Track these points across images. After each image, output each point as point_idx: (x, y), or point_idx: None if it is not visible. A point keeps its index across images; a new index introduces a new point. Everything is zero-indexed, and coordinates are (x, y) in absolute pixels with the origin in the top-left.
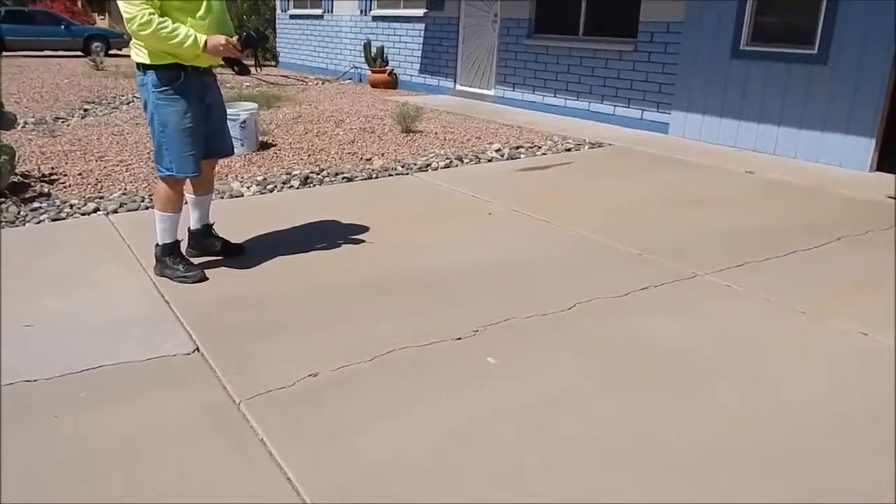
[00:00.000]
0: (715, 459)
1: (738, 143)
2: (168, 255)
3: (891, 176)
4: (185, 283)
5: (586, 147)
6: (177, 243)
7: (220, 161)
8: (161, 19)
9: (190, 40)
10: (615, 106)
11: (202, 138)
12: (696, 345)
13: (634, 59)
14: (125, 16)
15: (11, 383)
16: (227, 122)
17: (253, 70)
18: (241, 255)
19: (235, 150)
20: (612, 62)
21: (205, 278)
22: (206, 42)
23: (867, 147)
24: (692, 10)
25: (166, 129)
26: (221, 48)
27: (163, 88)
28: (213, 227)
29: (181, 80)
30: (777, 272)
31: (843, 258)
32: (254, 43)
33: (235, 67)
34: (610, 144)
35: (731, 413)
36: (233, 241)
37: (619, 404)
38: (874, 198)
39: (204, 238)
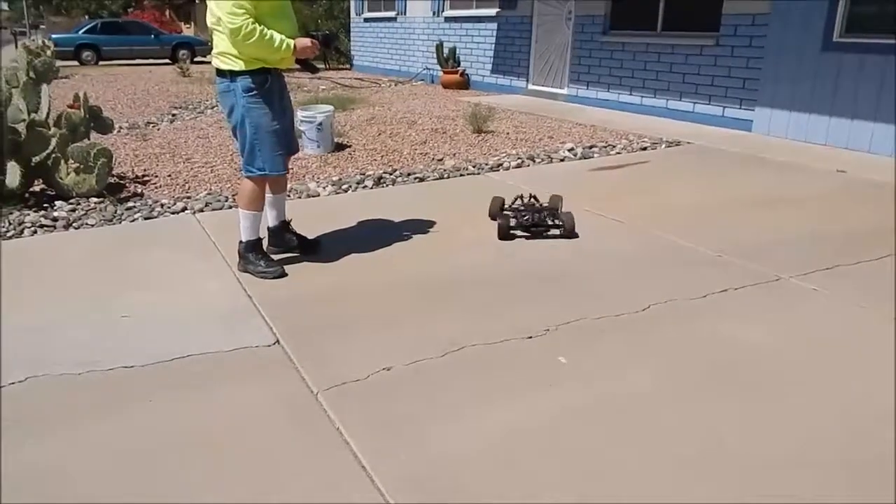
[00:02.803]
0: (792, 469)
1: (828, 140)
2: (251, 251)
3: None
4: (266, 278)
5: (663, 146)
6: (259, 240)
7: (299, 162)
8: (260, 27)
9: (285, 45)
10: (695, 103)
11: (285, 137)
12: (778, 350)
13: (716, 53)
14: (230, 27)
15: (111, 369)
16: (305, 124)
17: (323, 69)
18: (317, 250)
19: (312, 152)
20: (693, 57)
21: (284, 274)
22: (294, 45)
23: None
24: (780, 2)
25: (259, 132)
26: (308, 50)
27: (253, 92)
28: (291, 223)
29: (269, 83)
30: (869, 277)
31: None
32: (331, 41)
33: (307, 68)
34: (689, 143)
35: (813, 422)
36: (309, 237)
37: (694, 408)
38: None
39: (283, 234)
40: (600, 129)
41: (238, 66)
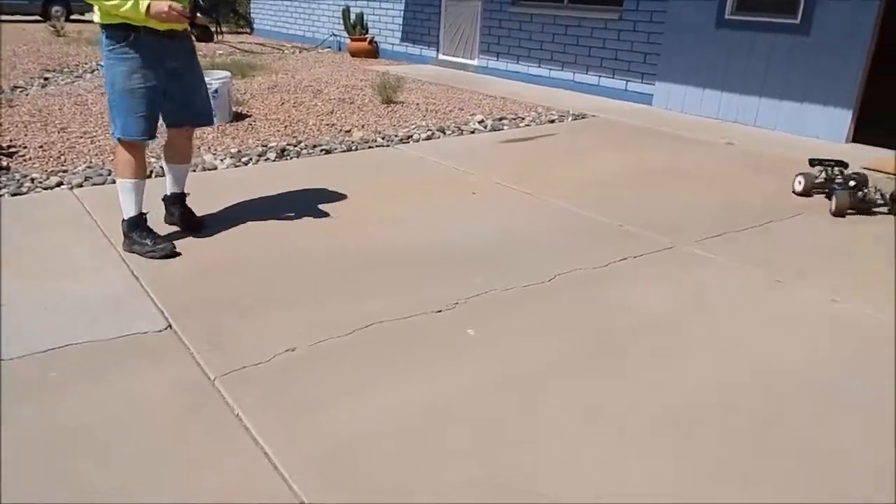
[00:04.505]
0: (693, 424)
1: (720, 114)
2: (134, 229)
3: (867, 147)
4: (154, 258)
5: (570, 119)
6: (142, 216)
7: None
8: None
9: (129, 4)
10: (600, 76)
11: (157, 102)
12: (674, 313)
13: (620, 28)
14: None
15: None
16: (207, 93)
17: (218, 34)
18: (200, 229)
19: None
20: (598, 31)
21: (175, 253)
22: (148, 7)
23: (845, 119)
24: None
25: (115, 90)
26: (164, 15)
27: (112, 47)
28: (186, 197)
29: (130, 39)
30: (754, 242)
31: (818, 227)
32: (205, 12)
33: (194, 31)
34: (593, 116)
35: (708, 378)
36: (199, 214)
37: (600, 373)
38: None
39: (171, 206)
40: (510, 101)
41: (97, 17)
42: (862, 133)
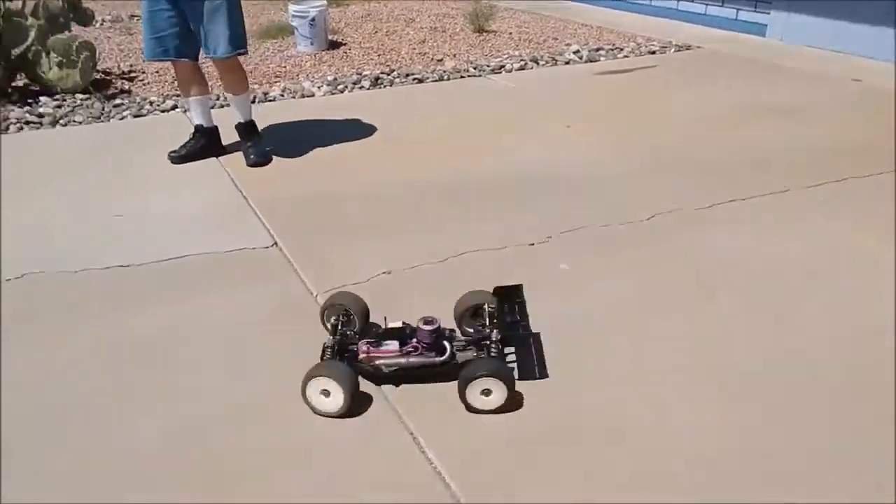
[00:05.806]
0: (777, 380)
1: (846, 47)
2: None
3: None
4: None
5: (672, 50)
6: (198, 126)
7: (292, 60)
8: None
9: None
10: (707, 5)
11: (166, 27)
12: (779, 261)
13: None
14: None
15: (108, 267)
16: (296, 19)
17: None
18: (265, 161)
19: (305, 49)
20: None
21: (180, 160)
22: None
23: None
24: None
25: None
26: None
27: None
28: (251, 125)
29: None
30: (879, 191)
31: None
32: None
33: None
34: (699, 47)
35: (806, 333)
36: (299, 141)
37: (694, 317)
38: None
39: (241, 134)
40: (607, 31)
41: None
42: None
